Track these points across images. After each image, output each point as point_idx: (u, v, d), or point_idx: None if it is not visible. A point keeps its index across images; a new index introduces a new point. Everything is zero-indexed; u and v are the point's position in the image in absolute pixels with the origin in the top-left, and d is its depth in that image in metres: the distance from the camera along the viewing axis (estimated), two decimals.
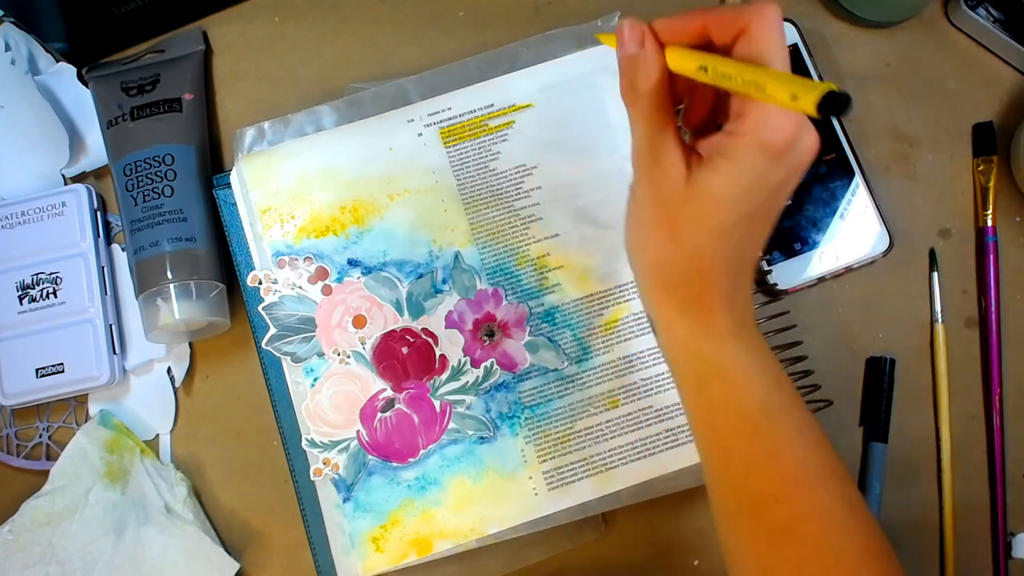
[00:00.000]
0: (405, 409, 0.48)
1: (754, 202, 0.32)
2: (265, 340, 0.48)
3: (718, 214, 0.32)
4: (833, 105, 0.26)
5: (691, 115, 0.36)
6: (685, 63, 0.32)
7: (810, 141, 0.32)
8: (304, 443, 0.48)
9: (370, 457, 0.48)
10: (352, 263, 0.49)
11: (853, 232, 0.52)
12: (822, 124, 0.53)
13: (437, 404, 0.48)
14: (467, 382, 0.49)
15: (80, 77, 0.54)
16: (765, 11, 0.31)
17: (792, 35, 0.54)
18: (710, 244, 0.33)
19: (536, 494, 0.48)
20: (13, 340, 0.50)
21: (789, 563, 0.35)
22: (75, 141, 0.54)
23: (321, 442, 0.48)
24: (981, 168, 0.53)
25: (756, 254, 0.35)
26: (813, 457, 0.36)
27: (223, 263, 0.51)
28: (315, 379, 0.48)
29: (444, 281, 0.49)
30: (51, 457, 0.51)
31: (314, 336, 0.49)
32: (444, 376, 0.49)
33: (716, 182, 0.32)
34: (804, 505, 0.35)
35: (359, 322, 0.49)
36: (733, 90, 0.30)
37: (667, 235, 0.34)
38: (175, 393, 0.52)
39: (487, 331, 0.49)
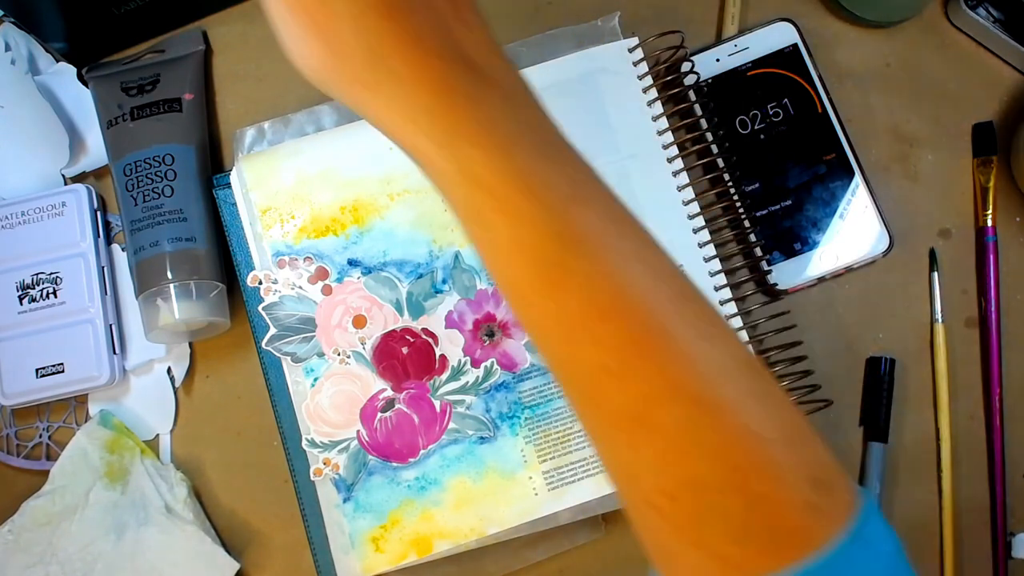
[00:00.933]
0: (405, 409, 0.48)
1: None
2: (265, 340, 0.48)
3: None
4: None
5: None
6: None
7: None
8: (304, 443, 0.48)
9: (370, 457, 0.48)
10: (352, 263, 0.49)
11: (853, 232, 0.52)
12: (820, 124, 0.53)
13: (437, 404, 0.48)
14: (467, 382, 0.49)
15: (80, 77, 0.54)
16: None
17: (792, 35, 0.54)
18: None
19: (536, 494, 0.48)
20: (13, 340, 0.50)
21: (647, 459, 0.27)
22: (75, 141, 0.54)
23: (321, 442, 0.48)
24: (981, 168, 0.53)
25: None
26: (649, 302, 0.26)
27: (223, 263, 0.51)
28: (315, 379, 0.48)
29: (444, 281, 0.49)
30: (51, 457, 0.51)
31: (314, 336, 0.49)
32: (444, 376, 0.49)
33: None
34: (646, 376, 0.26)
35: (359, 322, 0.49)
36: None
37: (325, 14, 0.25)
38: (175, 393, 0.52)
39: (487, 331, 0.49)
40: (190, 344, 0.52)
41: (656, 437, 0.26)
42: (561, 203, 0.26)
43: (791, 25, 0.54)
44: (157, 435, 0.52)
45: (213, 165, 0.53)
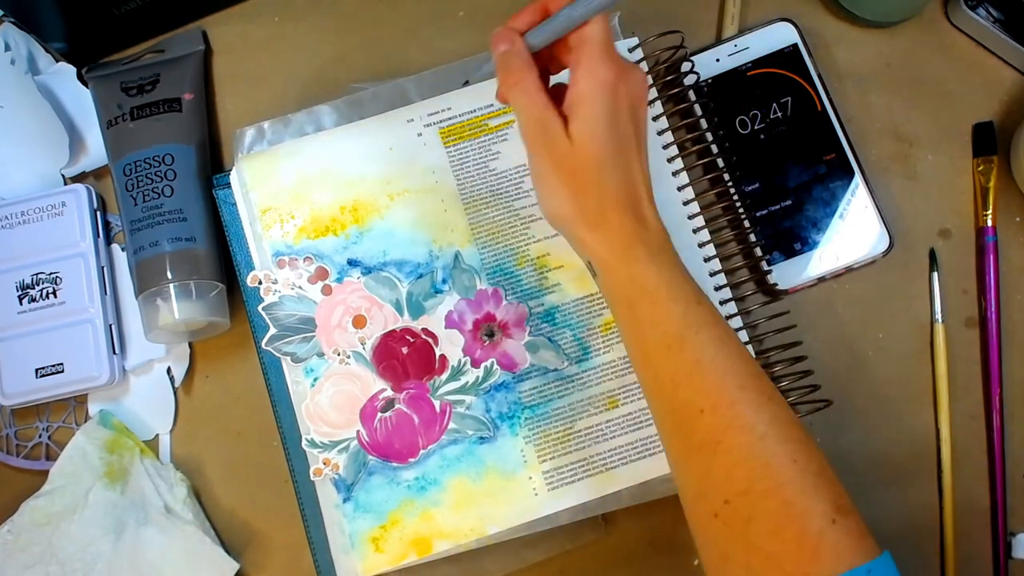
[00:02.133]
0: (405, 409, 0.48)
1: (619, 132, 0.39)
2: (265, 340, 0.48)
3: (600, 152, 0.39)
4: None
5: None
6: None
7: (637, 73, 0.40)
8: (304, 443, 0.48)
9: (370, 457, 0.48)
10: (352, 263, 0.49)
11: (853, 232, 0.52)
12: (820, 124, 0.53)
13: (437, 404, 0.48)
14: (467, 382, 0.49)
15: (80, 77, 0.54)
16: None
17: (792, 35, 0.54)
18: (606, 180, 0.39)
19: (536, 494, 0.48)
20: (13, 340, 0.50)
21: (718, 473, 0.37)
22: (75, 141, 0.54)
23: (321, 442, 0.48)
24: (981, 168, 0.53)
25: (643, 180, 0.41)
26: (735, 369, 0.38)
27: (223, 263, 0.51)
28: (315, 379, 0.48)
29: (444, 281, 0.49)
30: (51, 457, 0.51)
31: (314, 336, 0.49)
32: (444, 376, 0.49)
33: (585, 127, 0.39)
34: (728, 416, 0.37)
35: (359, 322, 0.49)
36: (577, 22, 0.39)
37: (574, 187, 0.40)
38: (175, 393, 0.52)
39: (487, 331, 0.49)
40: (190, 344, 0.52)
41: (727, 458, 0.37)
42: (686, 301, 0.39)
43: (791, 25, 0.54)
44: (157, 435, 0.52)
45: (213, 165, 0.53)
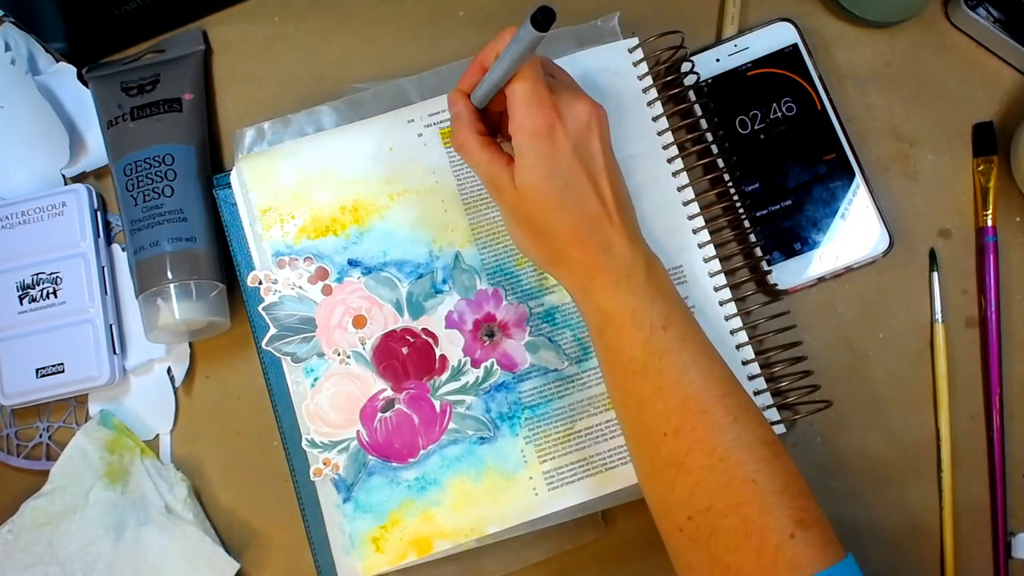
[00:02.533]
0: (405, 409, 0.48)
1: (564, 173, 0.40)
2: (265, 340, 0.48)
3: (545, 197, 0.40)
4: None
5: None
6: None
7: (579, 109, 0.41)
8: (304, 443, 0.48)
9: (370, 457, 0.48)
10: (352, 263, 0.49)
11: (853, 232, 0.52)
12: (820, 124, 0.53)
13: (437, 404, 0.48)
14: (467, 382, 0.49)
15: (80, 77, 0.54)
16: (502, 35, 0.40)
17: (792, 35, 0.54)
18: (558, 221, 0.40)
19: (536, 494, 0.48)
20: (13, 340, 0.50)
21: (681, 492, 0.39)
22: (75, 141, 0.54)
23: (321, 442, 0.48)
24: (981, 168, 0.53)
25: (602, 209, 0.41)
26: (698, 395, 0.39)
27: (223, 263, 0.51)
28: (315, 379, 0.48)
29: (444, 281, 0.49)
30: (51, 457, 0.51)
31: (314, 336, 0.49)
32: (444, 376, 0.49)
33: (524, 178, 0.40)
34: (690, 440, 0.39)
35: (359, 322, 0.49)
36: (505, 76, 0.40)
37: (530, 231, 0.42)
38: (175, 393, 0.52)
39: (487, 331, 0.49)
40: (190, 344, 0.52)
41: (688, 478, 0.39)
42: (650, 328, 0.40)
43: (791, 25, 0.54)
44: (157, 435, 0.52)
45: (213, 165, 0.53)
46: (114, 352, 0.51)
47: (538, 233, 0.42)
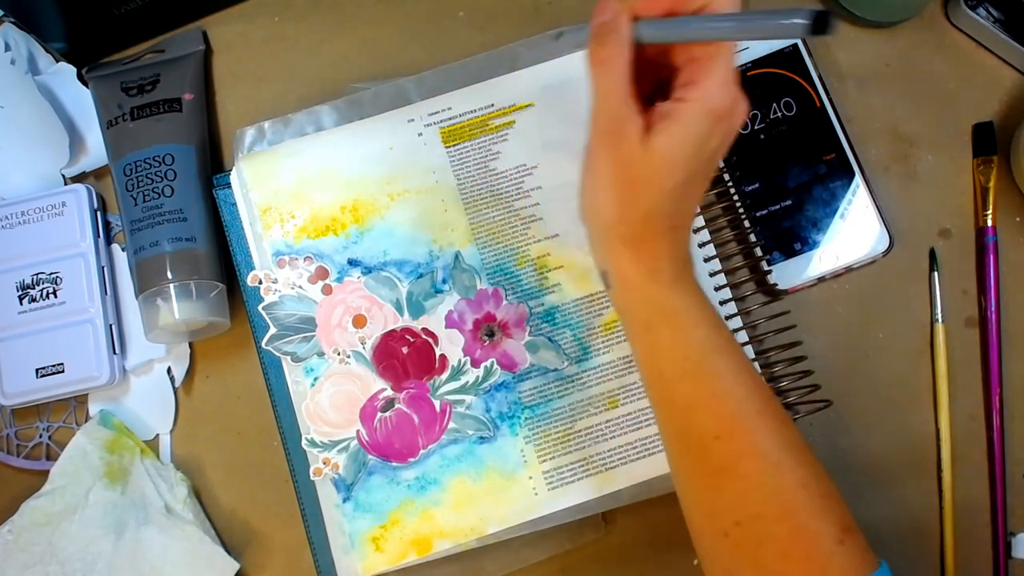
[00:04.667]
0: (405, 409, 0.48)
1: (698, 162, 0.36)
2: (265, 340, 0.48)
3: (672, 175, 0.35)
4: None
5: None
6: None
7: (743, 109, 0.36)
8: (304, 443, 0.48)
9: (370, 457, 0.48)
10: (352, 263, 0.49)
11: (853, 232, 0.52)
12: (820, 124, 0.53)
13: (437, 404, 0.48)
14: (467, 382, 0.49)
15: (80, 77, 0.54)
16: None
17: None
18: (662, 202, 0.36)
19: (536, 494, 0.48)
20: (13, 340, 0.50)
21: (731, 496, 0.38)
22: (75, 141, 0.54)
23: (321, 442, 0.48)
24: (981, 168, 0.53)
25: (694, 209, 0.40)
26: (752, 397, 0.38)
27: (223, 263, 0.51)
28: (315, 379, 0.48)
29: (444, 281, 0.49)
30: (51, 457, 0.51)
31: (314, 336, 0.49)
32: (444, 376, 0.49)
33: (669, 144, 0.35)
34: (744, 444, 0.37)
35: (359, 322, 0.49)
36: (711, 40, 0.35)
37: (626, 195, 0.36)
38: (175, 393, 0.52)
39: (487, 331, 0.49)
40: (190, 344, 0.52)
41: (740, 483, 0.37)
42: (707, 325, 0.38)
43: None
44: (157, 435, 0.52)
45: (213, 165, 0.53)
46: (114, 352, 0.51)
47: (633, 202, 0.36)
